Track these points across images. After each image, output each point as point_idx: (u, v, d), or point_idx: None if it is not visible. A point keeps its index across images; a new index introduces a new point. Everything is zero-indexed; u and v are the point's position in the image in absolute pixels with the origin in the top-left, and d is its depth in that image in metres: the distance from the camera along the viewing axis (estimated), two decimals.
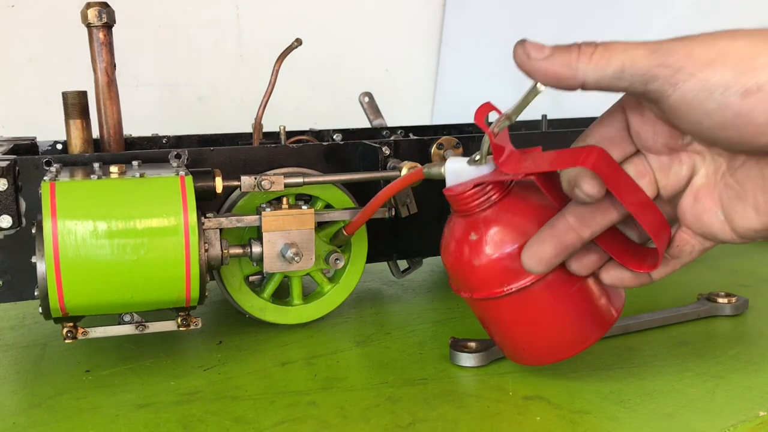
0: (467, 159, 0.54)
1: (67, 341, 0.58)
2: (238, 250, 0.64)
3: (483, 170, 0.53)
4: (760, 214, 0.47)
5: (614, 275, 0.53)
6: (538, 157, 0.51)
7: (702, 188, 0.49)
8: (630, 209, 0.48)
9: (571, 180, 0.49)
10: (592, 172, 0.48)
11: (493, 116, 0.52)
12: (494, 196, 0.53)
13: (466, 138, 0.75)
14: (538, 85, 0.47)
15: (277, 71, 0.78)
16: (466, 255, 0.54)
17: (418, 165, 0.67)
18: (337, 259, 0.69)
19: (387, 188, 0.61)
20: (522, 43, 0.47)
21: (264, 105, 0.79)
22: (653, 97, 0.45)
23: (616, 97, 0.50)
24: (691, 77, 0.43)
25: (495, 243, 0.53)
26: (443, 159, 0.73)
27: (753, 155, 0.46)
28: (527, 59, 0.46)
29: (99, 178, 0.56)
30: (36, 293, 0.56)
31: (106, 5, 0.69)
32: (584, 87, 0.46)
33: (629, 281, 0.53)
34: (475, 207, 0.53)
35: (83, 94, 0.73)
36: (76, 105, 0.72)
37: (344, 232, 0.68)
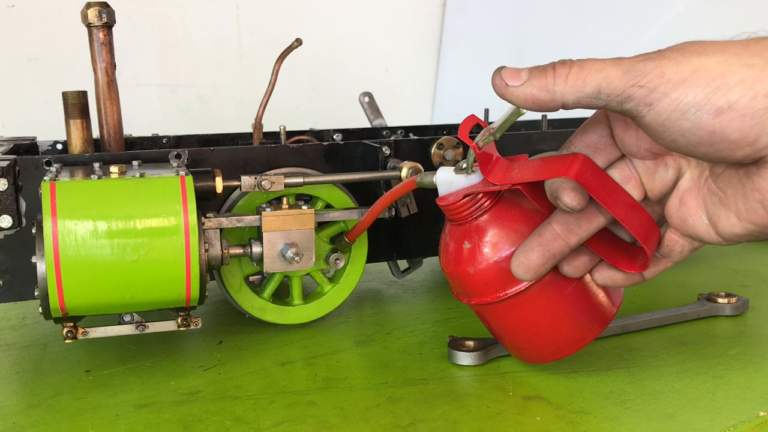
0: (454, 168, 0.55)
1: (67, 341, 0.58)
2: (238, 250, 0.64)
3: (472, 180, 0.54)
4: (742, 221, 0.47)
5: (606, 276, 0.53)
6: (523, 166, 0.51)
7: (687, 192, 0.50)
8: (616, 215, 0.49)
9: (553, 191, 0.49)
10: (574, 183, 0.48)
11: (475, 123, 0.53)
12: (485, 204, 0.54)
13: None
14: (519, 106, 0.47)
15: (277, 71, 0.78)
16: (462, 263, 0.54)
17: (418, 165, 0.67)
18: (337, 259, 0.69)
19: (384, 197, 0.62)
20: (499, 71, 0.47)
21: (264, 105, 0.79)
22: (629, 116, 0.46)
23: None
24: (665, 97, 0.43)
25: (489, 250, 0.53)
26: (443, 158, 0.73)
27: (732, 165, 0.47)
28: (505, 87, 0.47)
29: (99, 178, 0.56)
30: (36, 293, 0.56)
31: (106, 5, 0.69)
32: (564, 107, 0.46)
33: (621, 281, 0.53)
34: (467, 216, 0.54)
35: (83, 94, 0.73)
36: (76, 105, 0.72)
37: (346, 239, 0.68)
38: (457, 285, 0.57)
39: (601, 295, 0.56)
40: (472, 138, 0.52)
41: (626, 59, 0.45)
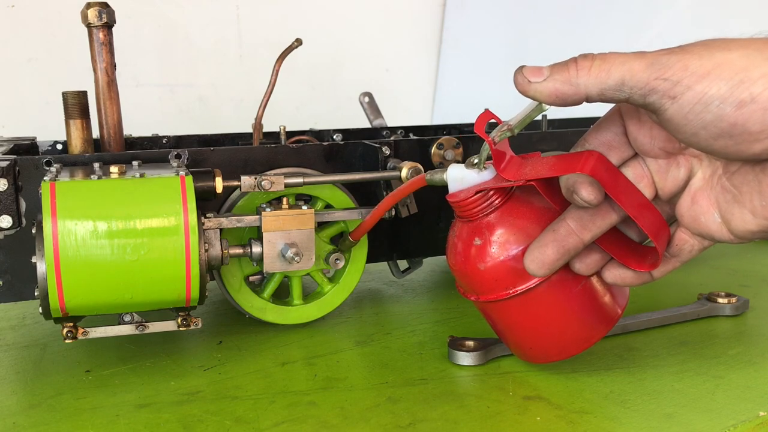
0: (465, 163, 0.55)
1: (67, 341, 0.58)
2: (238, 250, 0.64)
3: (484, 176, 0.54)
4: (757, 217, 0.47)
5: (616, 274, 0.54)
6: (537, 163, 0.51)
7: (699, 191, 0.50)
8: (629, 212, 0.49)
9: (570, 186, 0.50)
10: (591, 178, 0.49)
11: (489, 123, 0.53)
12: (496, 201, 0.54)
13: (466, 138, 0.75)
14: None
15: (277, 71, 0.78)
16: (472, 259, 0.54)
17: (418, 165, 0.67)
18: (337, 259, 0.69)
19: (391, 195, 0.62)
20: (520, 69, 0.48)
21: (264, 105, 0.79)
22: (651, 109, 0.46)
23: None
24: (688, 90, 0.44)
25: (499, 247, 0.53)
26: (443, 159, 0.73)
27: (748, 161, 0.47)
28: (528, 84, 0.47)
29: (99, 178, 0.56)
30: (36, 293, 0.56)
31: (106, 5, 0.69)
32: (588, 100, 0.47)
33: (631, 280, 0.53)
34: (478, 212, 0.54)
35: (83, 94, 0.73)
36: (76, 105, 0.72)
37: (350, 238, 0.68)
38: (465, 282, 0.57)
39: (608, 296, 0.56)
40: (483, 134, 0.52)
41: (649, 53, 0.45)
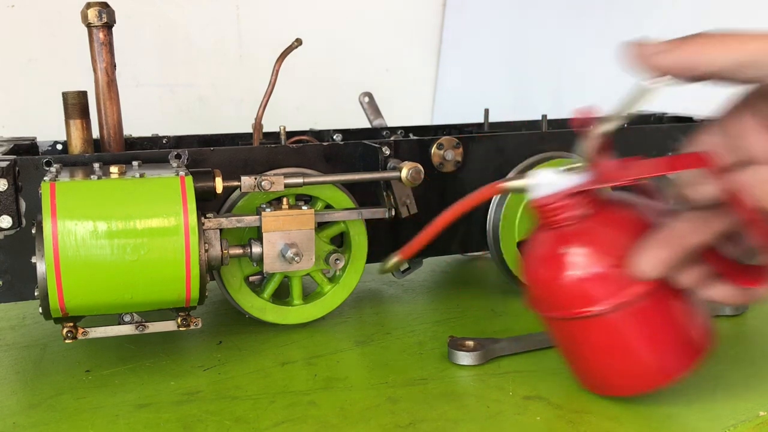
0: (559, 170, 0.52)
1: (67, 341, 0.58)
2: (238, 251, 0.64)
3: (576, 181, 0.51)
4: None
5: (719, 292, 0.51)
6: (641, 163, 0.49)
7: None
8: (745, 218, 0.47)
9: (689, 183, 0.48)
10: (708, 176, 0.47)
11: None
12: (588, 210, 0.51)
13: (467, 138, 0.75)
14: (647, 82, 0.45)
15: (277, 71, 0.78)
16: (557, 271, 0.51)
17: (418, 165, 0.66)
18: (337, 259, 0.69)
19: (454, 208, 0.55)
20: (635, 43, 0.45)
21: (264, 105, 0.79)
22: None
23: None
24: None
25: (589, 258, 0.50)
26: (443, 159, 0.73)
27: None
28: (648, 56, 0.45)
29: (99, 178, 0.56)
30: (36, 293, 0.56)
31: (106, 5, 0.69)
32: (704, 77, 0.44)
33: (734, 298, 0.51)
34: (568, 219, 0.51)
35: (83, 94, 0.73)
36: (76, 105, 0.72)
37: (400, 256, 0.60)
38: (545, 296, 0.53)
39: (695, 327, 0.52)
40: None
41: (763, 32, 0.43)
